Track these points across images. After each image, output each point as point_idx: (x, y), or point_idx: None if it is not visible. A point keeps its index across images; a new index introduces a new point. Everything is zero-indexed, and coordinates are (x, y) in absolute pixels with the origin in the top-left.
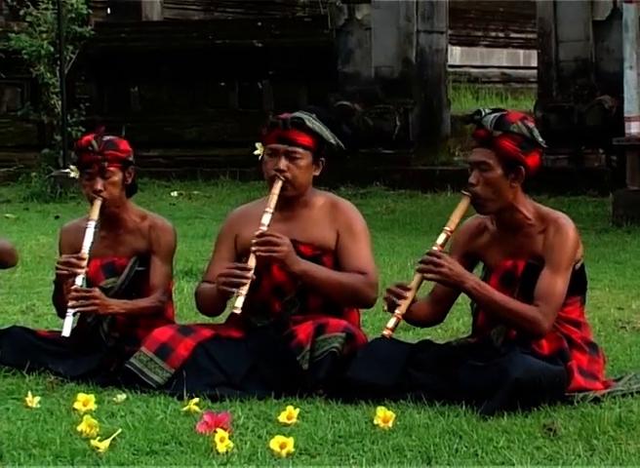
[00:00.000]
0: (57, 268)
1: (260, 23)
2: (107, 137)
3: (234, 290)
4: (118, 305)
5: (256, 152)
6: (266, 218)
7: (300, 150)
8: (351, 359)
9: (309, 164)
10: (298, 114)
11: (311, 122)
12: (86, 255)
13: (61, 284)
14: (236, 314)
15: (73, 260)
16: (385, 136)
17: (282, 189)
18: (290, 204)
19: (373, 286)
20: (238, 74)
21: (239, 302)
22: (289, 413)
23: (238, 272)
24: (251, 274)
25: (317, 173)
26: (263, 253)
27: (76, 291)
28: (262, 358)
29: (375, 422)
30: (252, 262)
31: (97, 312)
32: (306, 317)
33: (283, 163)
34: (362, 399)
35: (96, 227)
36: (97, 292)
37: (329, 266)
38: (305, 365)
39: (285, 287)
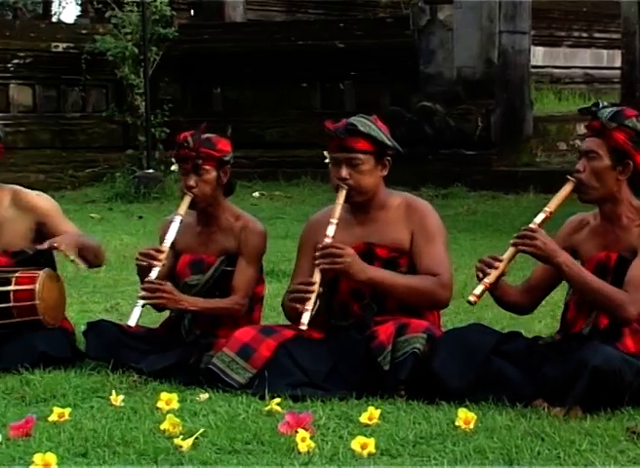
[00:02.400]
0: (136, 259)
1: (342, 24)
2: (206, 135)
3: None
4: (189, 301)
5: (326, 160)
6: (331, 230)
7: (359, 156)
8: (435, 351)
9: (372, 167)
10: (352, 120)
11: (365, 126)
12: (166, 248)
13: (142, 275)
14: (303, 330)
15: (152, 252)
16: (467, 137)
17: (347, 196)
18: (364, 207)
19: (445, 286)
20: (320, 75)
21: (305, 318)
22: (370, 414)
23: (303, 287)
24: (316, 287)
25: (384, 173)
26: (326, 266)
27: (148, 282)
28: (344, 358)
29: (456, 423)
30: (316, 276)
31: (165, 305)
32: (387, 318)
33: (344, 171)
34: (444, 400)
35: (181, 222)
36: (168, 285)
37: (406, 268)
38: (386, 365)
39: (362, 289)
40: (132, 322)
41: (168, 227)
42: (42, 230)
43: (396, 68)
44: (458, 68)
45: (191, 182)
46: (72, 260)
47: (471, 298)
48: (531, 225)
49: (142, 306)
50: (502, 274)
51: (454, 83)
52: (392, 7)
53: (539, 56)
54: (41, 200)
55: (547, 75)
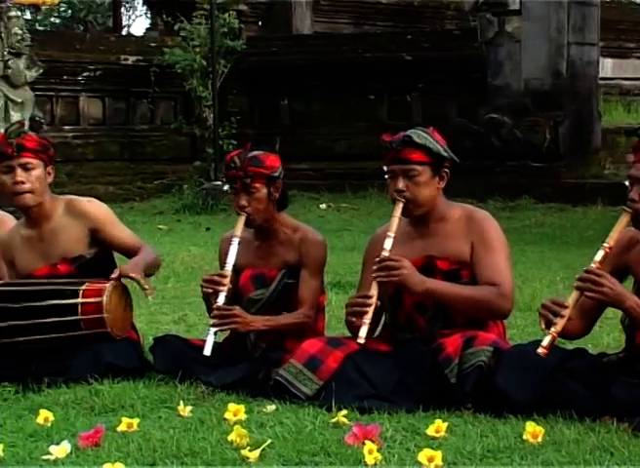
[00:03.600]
0: (201, 286)
1: (409, 36)
2: (253, 153)
3: (360, 319)
4: (260, 322)
5: (386, 176)
6: (388, 243)
7: (415, 167)
8: (499, 366)
9: (429, 179)
10: (408, 132)
11: (420, 137)
12: (228, 273)
13: (208, 300)
14: (361, 344)
15: (216, 278)
16: (535, 149)
17: (405, 210)
18: (424, 220)
19: (505, 296)
20: (387, 87)
21: (363, 332)
22: (437, 427)
23: (361, 301)
24: (373, 301)
25: (442, 184)
26: (384, 279)
27: (218, 309)
28: (411, 371)
29: (524, 437)
30: (374, 289)
31: (238, 330)
32: (453, 331)
33: (401, 183)
34: (511, 413)
35: (239, 243)
36: (237, 309)
37: (468, 280)
38: (453, 378)
39: (426, 302)
40: (207, 351)
41: (227, 247)
42: (96, 236)
43: (463, 80)
44: (525, 80)
45: (243, 202)
46: (142, 287)
47: (540, 351)
48: (592, 265)
49: (215, 334)
50: (569, 319)
51: (521, 95)
52: (460, 19)
53: (607, 67)
54: (93, 206)
55: (616, 87)
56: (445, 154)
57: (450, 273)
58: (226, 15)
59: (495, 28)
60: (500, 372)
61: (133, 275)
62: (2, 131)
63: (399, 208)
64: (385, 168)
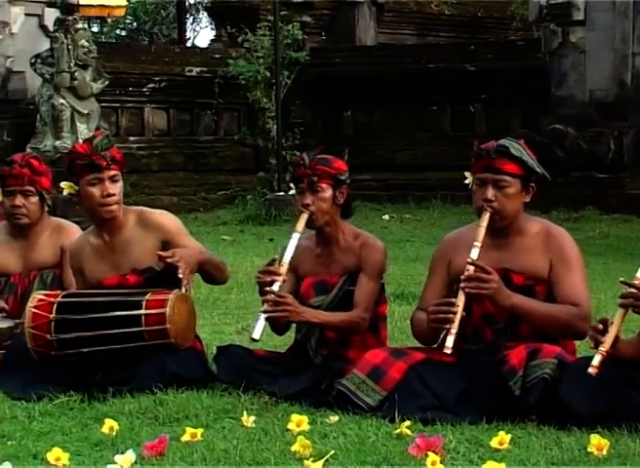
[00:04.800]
0: (257, 277)
1: (472, 47)
2: (322, 155)
3: (445, 326)
4: (311, 314)
5: (466, 181)
6: (474, 253)
7: (507, 178)
8: (563, 379)
9: (518, 191)
10: (503, 142)
11: (516, 149)
12: (285, 264)
13: (262, 291)
14: (448, 354)
15: (272, 268)
16: (599, 160)
17: (490, 220)
18: (502, 232)
19: (585, 318)
20: (450, 98)
21: (449, 342)
22: (501, 439)
23: (445, 308)
24: (460, 310)
25: (527, 199)
26: (472, 290)
27: (271, 293)
28: (474, 382)
29: (588, 450)
30: (461, 300)
31: (288, 318)
32: (518, 343)
33: (491, 192)
34: (575, 425)
35: (299, 239)
36: (289, 298)
37: (542, 296)
38: (517, 390)
39: (496, 315)
40: (256, 335)
41: (297, 249)
42: (166, 248)
43: (527, 91)
44: (590, 91)
45: (307, 200)
46: (180, 279)
47: (591, 370)
48: (636, 282)
49: (266, 319)
50: (617, 337)
51: (586, 105)
52: (524, 29)
53: None
54: (165, 218)
55: None
56: (538, 170)
57: (524, 288)
58: (290, 26)
59: (559, 39)
60: (564, 385)
61: (181, 263)
62: (69, 142)
63: (486, 217)
64: (470, 175)
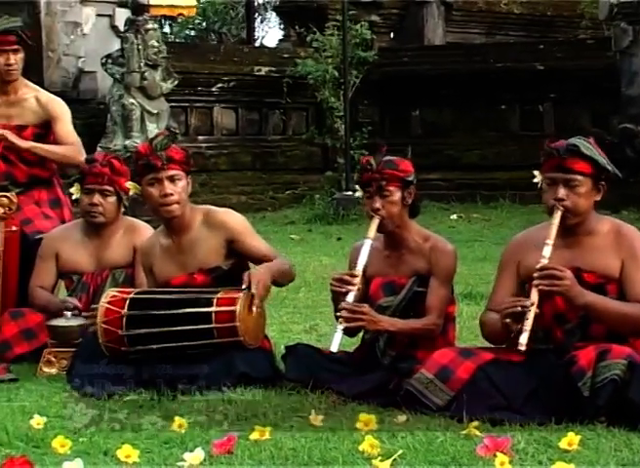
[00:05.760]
0: (331, 285)
1: (541, 46)
2: (388, 157)
3: (517, 324)
4: (388, 322)
5: (534, 180)
6: (547, 251)
7: (578, 177)
8: (633, 380)
9: (589, 190)
10: (573, 141)
11: (587, 148)
12: (359, 272)
13: (337, 300)
14: (521, 351)
15: (346, 277)
16: None
17: (562, 218)
18: (573, 231)
19: None
20: (519, 97)
21: (523, 339)
22: (570, 440)
23: (519, 303)
24: (534, 308)
25: (598, 198)
26: (546, 288)
27: (346, 306)
28: (543, 383)
29: None
30: (534, 296)
31: (365, 328)
32: (588, 343)
33: (562, 192)
34: None
35: (371, 245)
36: (366, 307)
37: (613, 295)
38: (586, 391)
39: (567, 315)
40: (334, 348)
41: (358, 252)
42: (232, 246)
43: (597, 90)
44: None
45: (377, 205)
46: (253, 299)
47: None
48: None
49: (343, 330)
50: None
51: None
52: (594, 28)
53: None
54: (230, 217)
55: None
56: (609, 168)
57: (595, 287)
58: (358, 26)
59: (629, 37)
60: (634, 386)
61: (253, 288)
62: (139, 142)
63: (558, 216)
64: (540, 174)
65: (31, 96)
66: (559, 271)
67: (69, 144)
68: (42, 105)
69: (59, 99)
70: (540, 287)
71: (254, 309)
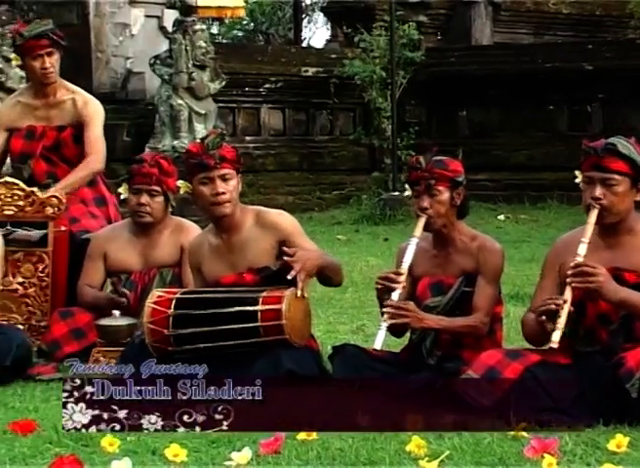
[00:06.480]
0: (376, 283)
1: (590, 46)
2: (438, 157)
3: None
4: (433, 320)
5: (576, 180)
6: (582, 249)
7: (615, 177)
8: None
9: (627, 190)
10: (612, 140)
11: (625, 147)
12: (404, 271)
13: (382, 298)
14: (554, 348)
15: (392, 276)
16: None
17: (598, 217)
18: (613, 231)
19: None
20: (567, 98)
21: (555, 336)
22: (618, 442)
23: (552, 301)
24: (567, 306)
25: (638, 197)
26: (579, 285)
27: (391, 303)
28: (590, 385)
29: None
30: (567, 294)
31: (410, 325)
32: (635, 345)
33: (598, 191)
34: None
35: (418, 245)
36: (411, 305)
37: None
38: (634, 393)
39: (611, 315)
40: (377, 345)
41: (404, 252)
42: (283, 247)
43: None
44: None
45: (425, 204)
46: (297, 282)
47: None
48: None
49: (387, 328)
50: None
51: None
52: None
53: None
54: (282, 218)
55: None
56: None
57: (636, 286)
58: (406, 26)
59: None
60: None
61: (299, 268)
62: (187, 142)
63: (594, 214)
64: (580, 174)
65: (69, 97)
66: (592, 268)
67: (93, 153)
68: (78, 107)
69: (95, 102)
70: (574, 284)
71: (298, 292)
